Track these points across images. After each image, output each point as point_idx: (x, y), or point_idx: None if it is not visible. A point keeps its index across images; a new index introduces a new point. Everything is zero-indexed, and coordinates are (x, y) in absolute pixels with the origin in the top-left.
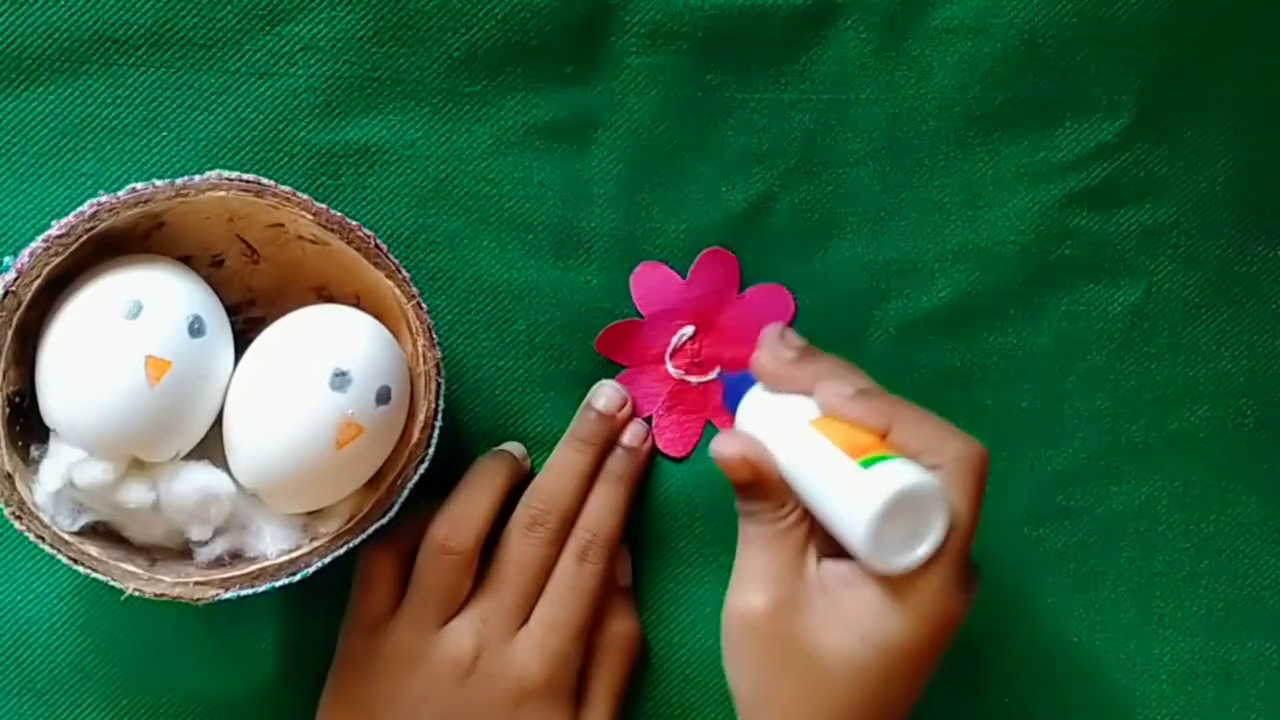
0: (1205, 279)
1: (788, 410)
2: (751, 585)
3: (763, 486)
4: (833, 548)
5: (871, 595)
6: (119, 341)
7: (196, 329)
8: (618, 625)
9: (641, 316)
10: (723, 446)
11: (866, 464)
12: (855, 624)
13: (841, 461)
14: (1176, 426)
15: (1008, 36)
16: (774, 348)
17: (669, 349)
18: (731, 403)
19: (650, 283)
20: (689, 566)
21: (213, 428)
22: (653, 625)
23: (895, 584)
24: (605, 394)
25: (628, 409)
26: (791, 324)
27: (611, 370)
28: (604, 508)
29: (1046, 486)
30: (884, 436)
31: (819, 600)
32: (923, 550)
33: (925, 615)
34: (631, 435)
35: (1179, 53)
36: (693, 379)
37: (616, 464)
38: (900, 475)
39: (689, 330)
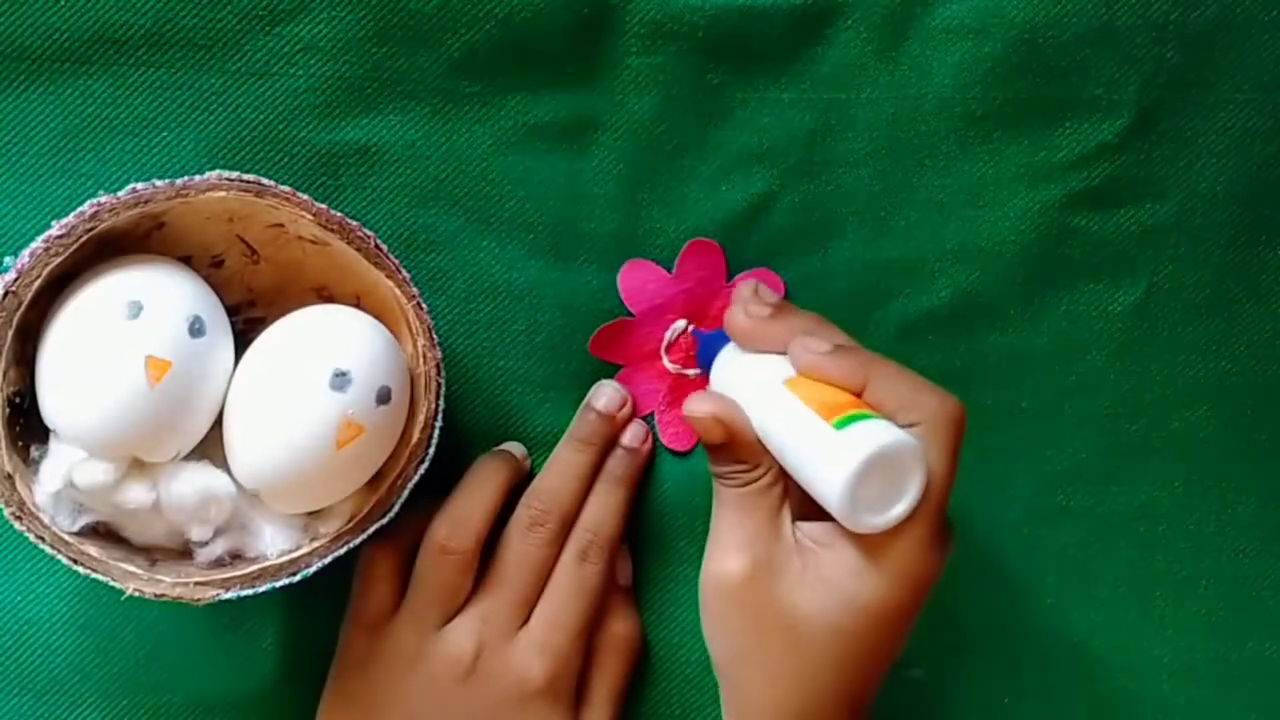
0: (1205, 279)
1: (761, 369)
2: (727, 549)
3: (736, 447)
4: (809, 508)
5: (848, 556)
6: (119, 342)
7: (196, 329)
8: (618, 625)
9: (632, 315)
10: (695, 406)
11: (841, 424)
12: (832, 585)
13: (816, 422)
14: (1177, 426)
15: (1008, 36)
16: (747, 304)
17: (663, 344)
18: (705, 360)
19: (637, 280)
20: (689, 567)
21: (213, 428)
22: (653, 625)
23: (872, 543)
24: (605, 394)
25: (628, 409)
26: None
27: (611, 370)
28: (604, 508)
29: (1047, 486)
30: (860, 394)
31: (795, 562)
32: (899, 509)
33: (902, 574)
34: (631, 436)
35: (1179, 53)
36: (690, 372)
37: (617, 465)
38: (876, 435)
39: (681, 324)
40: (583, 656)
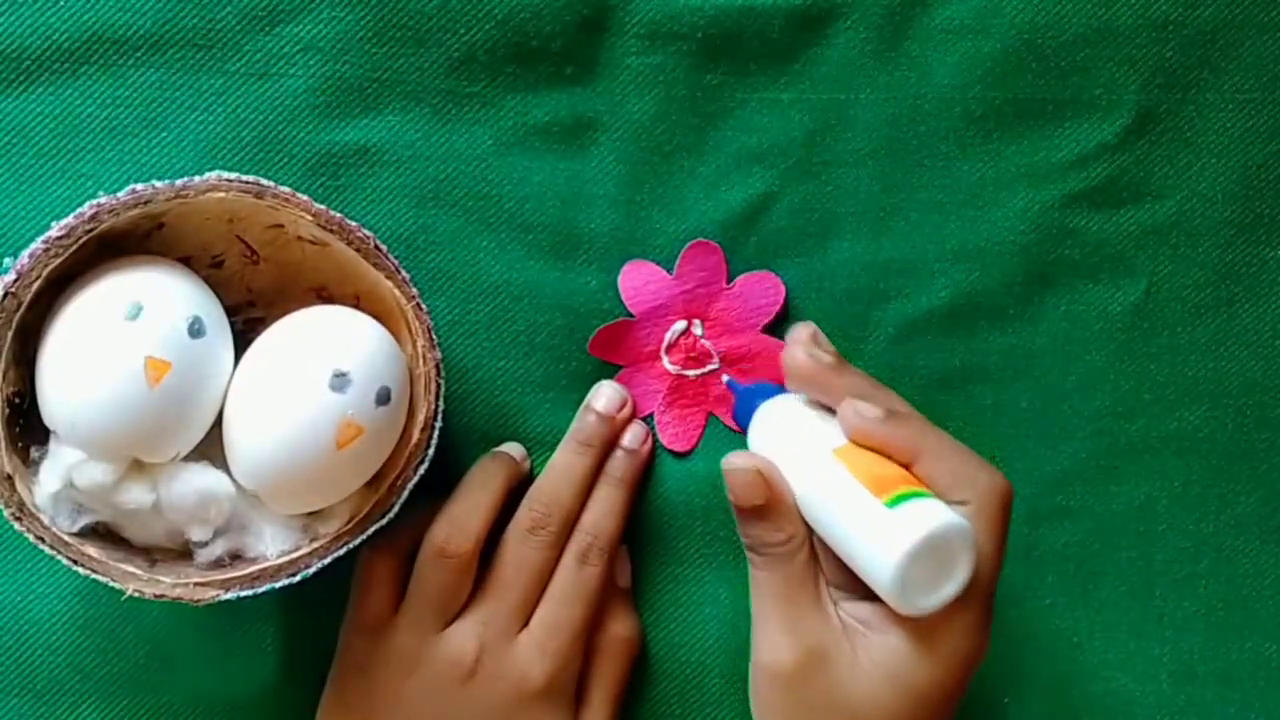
0: (1205, 279)
1: (807, 434)
2: (777, 636)
3: (775, 511)
4: (842, 577)
5: (899, 640)
6: (119, 342)
7: (196, 330)
8: (617, 627)
9: (632, 316)
10: (738, 461)
11: (893, 503)
12: (886, 671)
13: (867, 498)
14: (1176, 426)
15: (1008, 36)
16: (810, 348)
17: (663, 345)
18: (742, 415)
19: (638, 280)
20: (689, 567)
21: (212, 428)
22: (653, 625)
23: (923, 627)
24: (605, 395)
25: (628, 409)
26: (784, 310)
27: (611, 371)
28: (604, 510)
29: (1046, 486)
30: (910, 465)
31: (845, 647)
32: (948, 591)
33: (954, 657)
34: (631, 437)
35: (1178, 53)
36: (690, 373)
37: (617, 466)
38: (929, 516)
39: (681, 325)
40: (582, 658)
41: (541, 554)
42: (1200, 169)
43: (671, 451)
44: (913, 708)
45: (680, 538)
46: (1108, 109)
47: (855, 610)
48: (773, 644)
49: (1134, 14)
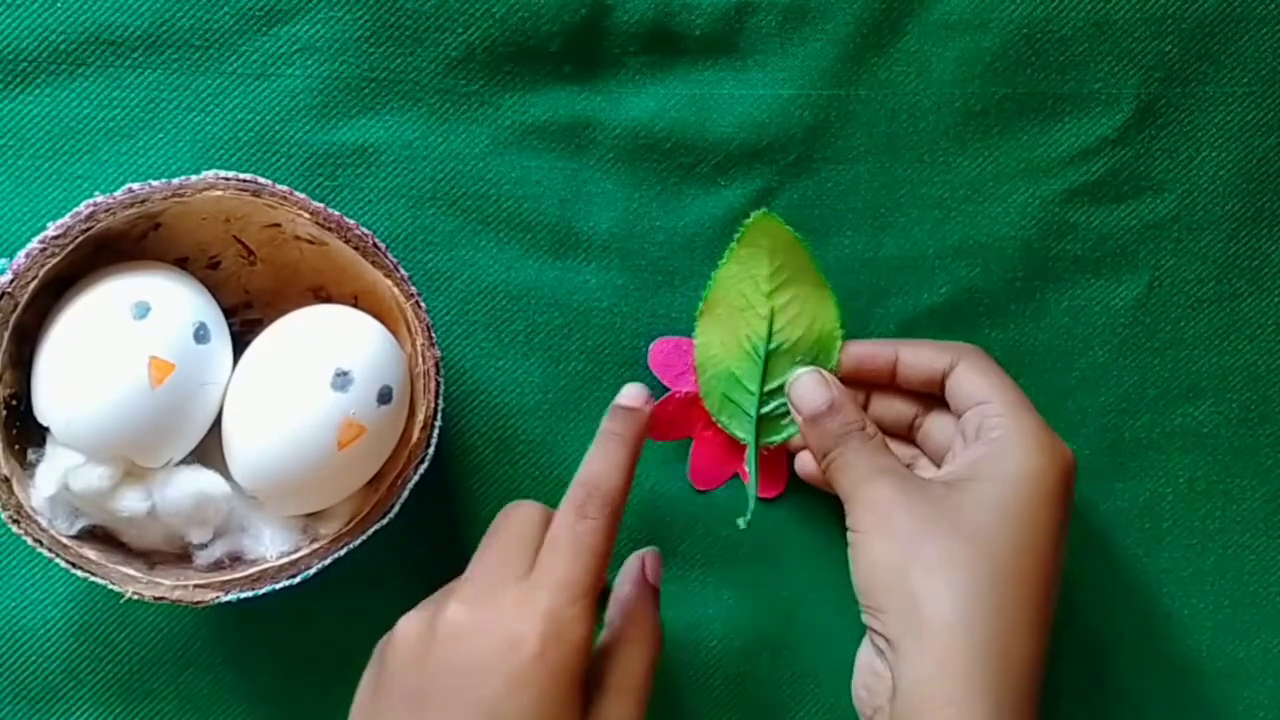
0: (1207, 273)
1: None
2: (877, 477)
3: (839, 406)
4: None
5: (979, 454)
6: (124, 341)
7: (201, 335)
8: (643, 617)
9: (668, 390)
10: (800, 372)
11: None
12: (982, 473)
13: None
14: (1180, 422)
15: (1006, 31)
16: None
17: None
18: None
19: (662, 355)
20: (689, 567)
21: (207, 433)
22: None
23: (994, 446)
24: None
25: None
26: None
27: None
28: (603, 463)
29: None
30: (895, 363)
31: (938, 483)
32: None
33: (1037, 446)
34: (628, 395)
35: (1178, 46)
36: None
37: (616, 422)
38: None
39: None
40: (588, 628)
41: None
42: (1201, 163)
43: (764, 500)
44: (1017, 494)
45: (681, 538)
46: (1107, 103)
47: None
48: (872, 484)
49: (1132, 8)
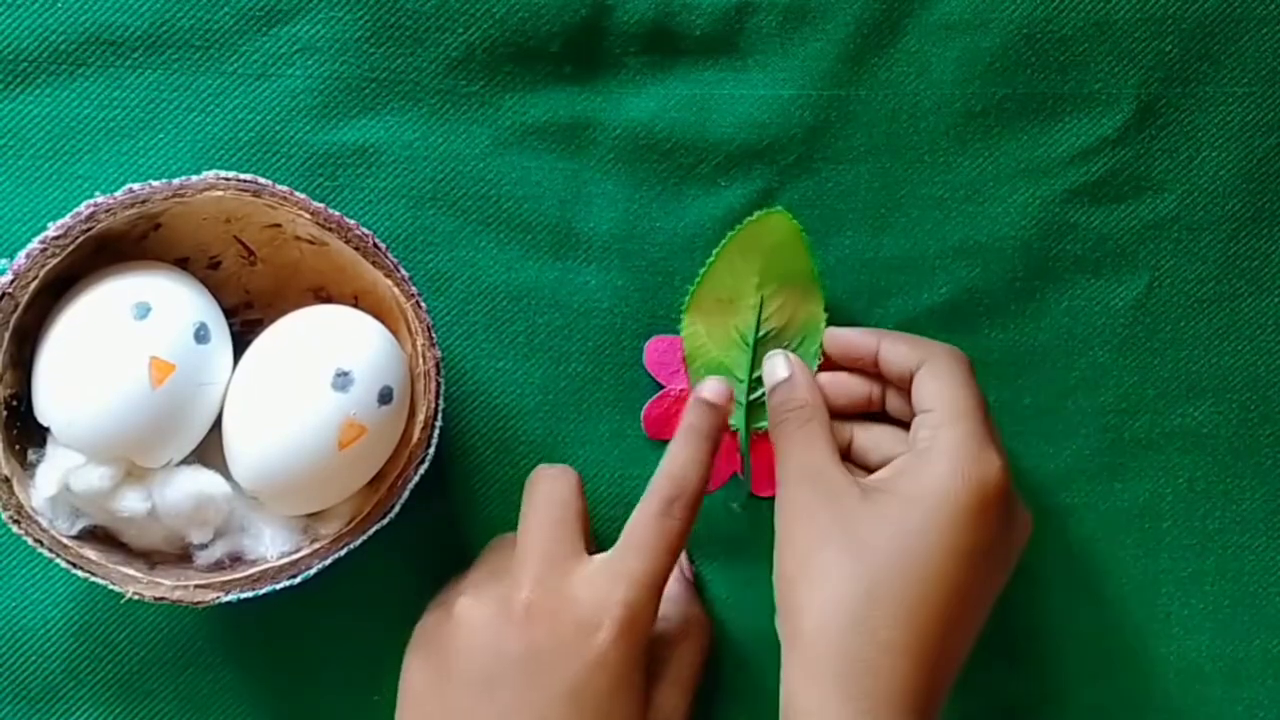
0: (1207, 273)
1: None
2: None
3: (797, 380)
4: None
5: (903, 463)
6: (125, 341)
7: (202, 336)
8: (694, 611)
9: (661, 386)
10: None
11: None
12: (893, 486)
13: None
14: (1180, 422)
15: (1007, 31)
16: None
17: None
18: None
19: (658, 353)
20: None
21: (207, 433)
22: None
23: (920, 454)
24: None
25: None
26: None
27: (631, 389)
28: (687, 460)
29: (1050, 484)
30: (876, 353)
31: (855, 489)
32: None
33: (957, 465)
34: (710, 390)
35: (1178, 46)
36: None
37: (699, 418)
38: None
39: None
40: (655, 619)
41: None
42: (1201, 163)
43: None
44: (919, 516)
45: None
46: (1107, 103)
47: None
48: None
49: (1132, 8)
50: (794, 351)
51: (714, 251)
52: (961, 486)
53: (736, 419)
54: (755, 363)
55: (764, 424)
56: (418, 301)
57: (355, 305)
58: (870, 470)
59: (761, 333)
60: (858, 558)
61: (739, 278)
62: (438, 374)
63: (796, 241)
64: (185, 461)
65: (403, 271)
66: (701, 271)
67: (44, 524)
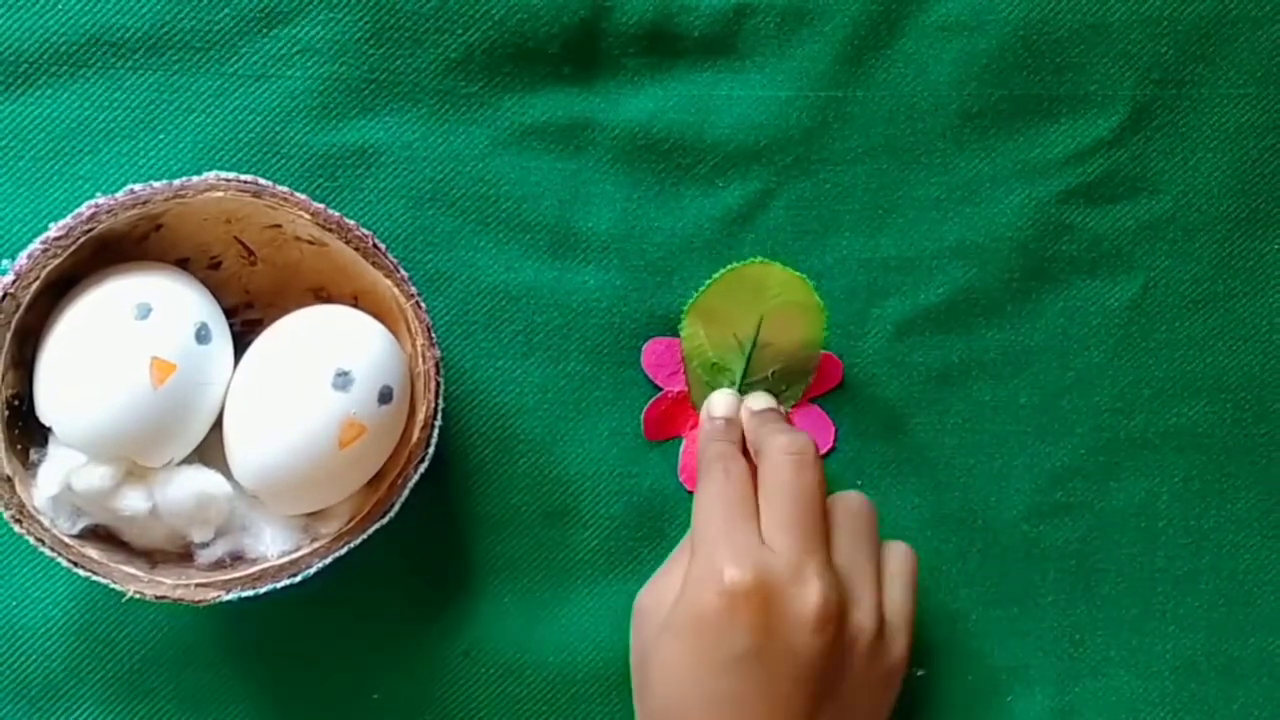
0: (1202, 273)
1: None
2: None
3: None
4: None
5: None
6: (126, 341)
7: (203, 336)
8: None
9: (660, 389)
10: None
11: None
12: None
13: None
14: (1175, 422)
15: (1003, 33)
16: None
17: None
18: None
19: (655, 355)
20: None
21: (208, 433)
22: None
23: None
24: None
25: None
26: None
27: (630, 388)
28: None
29: (1045, 483)
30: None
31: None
32: None
33: (690, 576)
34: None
35: (1173, 48)
36: None
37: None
38: None
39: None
40: None
41: None
42: (1196, 164)
43: None
44: (677, 616)
45: (680, 537)
46: (1103, 105)
47: None
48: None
49: (1128, 9)
50: (784, 393)
51: (730, 265)
52: (681, 601)
53: None
54: (750, 368)
55: None
56: (417, 301)
57: (355, 305)
58: None
59: (760, 341)
60: (653, 639)
61: (745, 294)
62: (437, 374)
63: (814, 310)
64: (186, 461)
65: (402, 271)
66: (713, 277)
67: (46, 523)
